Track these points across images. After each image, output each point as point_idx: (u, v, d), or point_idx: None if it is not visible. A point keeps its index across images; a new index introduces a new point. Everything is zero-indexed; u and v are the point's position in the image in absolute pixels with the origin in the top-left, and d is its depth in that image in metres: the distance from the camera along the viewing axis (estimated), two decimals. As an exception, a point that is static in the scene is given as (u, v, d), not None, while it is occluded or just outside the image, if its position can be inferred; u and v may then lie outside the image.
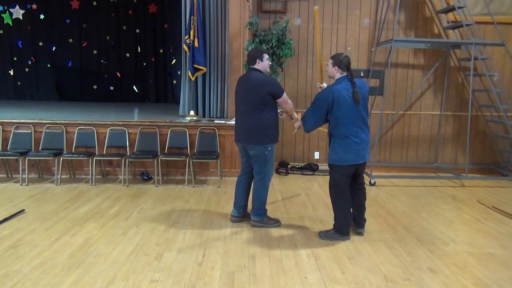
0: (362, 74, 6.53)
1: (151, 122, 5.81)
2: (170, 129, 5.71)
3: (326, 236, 3.63)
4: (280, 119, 3.99)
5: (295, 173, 6.33)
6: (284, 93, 3.80)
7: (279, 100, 3.77)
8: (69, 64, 11.10)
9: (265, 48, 5.72)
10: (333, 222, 3.67)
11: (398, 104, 6.60)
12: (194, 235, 3.63)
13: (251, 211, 3.93)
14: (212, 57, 6.28)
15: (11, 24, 10.78)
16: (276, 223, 3.93)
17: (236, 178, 3.93)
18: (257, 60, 3.77)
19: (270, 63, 3.91)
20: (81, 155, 5.41)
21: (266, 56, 3.81)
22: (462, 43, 6.13)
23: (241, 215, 4.01)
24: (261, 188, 3.85)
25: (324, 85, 3.99)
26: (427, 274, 2.98)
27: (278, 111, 3.89)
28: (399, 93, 6.62)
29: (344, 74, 3.52)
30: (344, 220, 3.60)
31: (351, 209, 3.66)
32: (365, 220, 3.77)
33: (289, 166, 6.47)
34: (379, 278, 2.91)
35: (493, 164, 6.68)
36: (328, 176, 3.73)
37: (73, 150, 5.56)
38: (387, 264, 3.13)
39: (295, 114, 4.00)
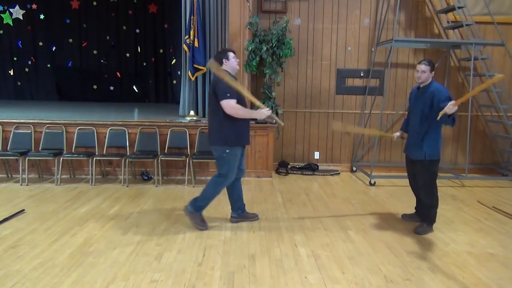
0: (362, 74, 6.54)
1: (151, 122, 5.81)
2: (170, 129, 5.71)
3: (425, 231, 3.79)
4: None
5: (295, 173, 6.33)
6: (230, 100, 3.55)
7: (221, 103, 3.58)
8: (69, 64, 11.10)
9: (265, 48, 5.72)
10: (425, 216, 3.85)
11: (398, 104, 6.60)
12: (194, 235, 3.63)
13: (191, 200, 3.84)
14: (212, 57, 6.27)
15: (11, 24, 10.78)
16: (201, 225, 3.78)
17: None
18: (224, 60, 3.69)
19: (238, 60, 3.79)
20: (81, 155, 5.41)
21: (231, 54, 3.73)
22: (462, 43, 6.13)
23: (239, 215, 4.02)
24: (212, 186, 3.77)
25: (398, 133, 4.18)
26: (427, 274, 2.98)
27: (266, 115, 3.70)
28: (399, 93, 6.62)
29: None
30: (436, 213, 3.85)
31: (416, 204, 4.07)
32: None
33: (289, 166, 6.47)
34: (379, 278, 2.91)
35: (493, 164, 6.68)
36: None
37: (73, 150, 5.56)
38: (387, 264, 3.13)
39: (258, 113, 3.70)
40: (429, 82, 3.74)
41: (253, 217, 4.09)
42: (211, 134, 3.78)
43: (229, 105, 3.57)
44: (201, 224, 3.79)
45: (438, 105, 3.50)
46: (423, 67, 3.70)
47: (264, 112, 3.69)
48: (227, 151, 3.67)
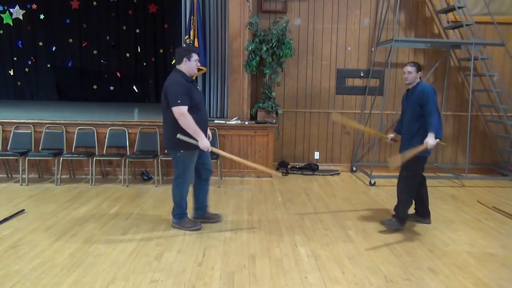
0: (362, 74, 6.54)
1: (151, 122, 5.81)
2: (170, 129, 5.70)
3: (391, 225, 3.84)
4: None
5: (295, 173, 6.33)
6: (181, 106, 3.43)
7: (173, 111, 3.45)
8: (69, 64, 11.10)
9: (265, 48, 5.72)
10: (396, 212, 3.88)
11: (398, 104, 6.59)
12: (194, 235, 3.63)
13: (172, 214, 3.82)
14: (212, 57, 6.28)
15: (11, 24, 10.78)
16: (194, 226, 3.75)
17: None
18: (184, 59, 3.56)
19: (199, 65, 3.68)
20: (81, 155, 5.41)
21: (195, 56, 3.59)
22: (462, 43, 6.13)
23: (199, 216, 3.94)
24: (175, 189, 3.72)
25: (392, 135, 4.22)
26: (427, 274, 2.98)
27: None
28: (399, 93, 6.61)
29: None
30: (408, 210, 3.87)
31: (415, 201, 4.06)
32: (428, 210, 4.12)
33: (289, 166, 6.47)
34: (379, 278, 2.91)
35: (493, 164, 6.68)
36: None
37: (73, 150, 5.56)
38: (387, 264, 3.13)
39: (202, 140, 3.52)
40: (417, 83, 3.80)
41: (214, 218, 3.99)
42: (164, 137, 3.72)
43: (179, 112, 3.44)
44: (193, 226, 3.76)
45: (422, 103, 3.65)
46: (409, 68, 3.78)
47: (205, 145, 3.54)
48: (181, 151, 3.59)
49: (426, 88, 3.71)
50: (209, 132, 3.83)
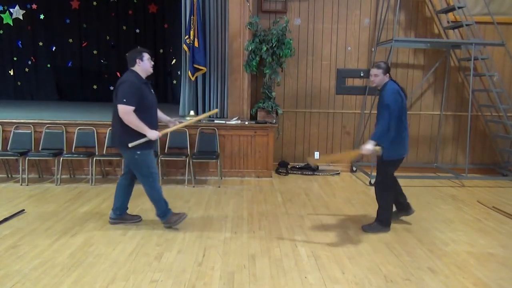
0: (362, 74, 6.54)
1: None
2: (170, 129, 5.70)
3: (371, 229, 3.82)
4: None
5: (295, 173, 6.33)
6: (126, 106, 3.40)
7: (119, 110, 3.42)
8: (69, 64, 11.09)
9: (265, 48, 5.72)
10: (376, 215, 3.88)
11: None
12: (194, 235, 3.63)
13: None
14: (212, 57, 6.28)
15: (11, 24, 10.77)
16: (180, 218, 3.75)
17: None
18: (137, 60, 3.53)
19: (153, 63, 3.63)
20: (81, 155, 5.41)
21: (146, 55, 3.56)
22: (462, 43, 6.13)
23: (117, 217, 3.87)
24: (149, 190, 3.67)
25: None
26: (427, 274, 2.98)
27: None
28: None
29: (389, 78, 3.75)
30: (389, 213, 3.85)
31: (395, 199, 4.01)
32: (407, 201, 4.10)
33: (289, 166, 6.47)
34: (379, 278, 2.91)
35: (493, 164, 6.68)
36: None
37: (73, 150, 5.55)
38: (387, 264, 3.13)
39: (148, 132, 3.50)
40: (384, 84, 3.71)
41: (132, 219, 3.92)
42: (114, 136, 3.66)
43: (124, 110, 3.40)
44: (179, 218, 3.75)
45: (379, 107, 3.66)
46: (375, 70, 3.71)
47: (154, 135, 3.54)
48: (138, 152, 3.53)
49: (389, 90, 3.61)
50: (167, 118, 3.91)
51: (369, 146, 3.52)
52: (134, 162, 3.61)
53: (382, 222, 3.84)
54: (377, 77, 3.71)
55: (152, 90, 3.73)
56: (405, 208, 4.10)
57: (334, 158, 3.79)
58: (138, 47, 3.71)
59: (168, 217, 3.74)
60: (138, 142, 3.49)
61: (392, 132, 3.58)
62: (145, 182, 3.66)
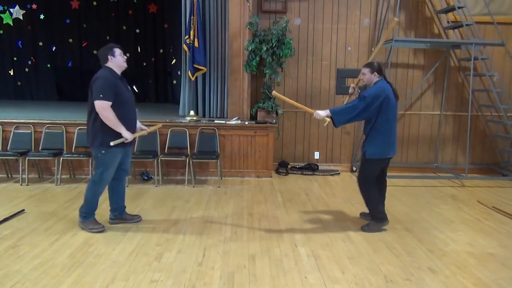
0: (362, 74, 6.53)
1: (151, 122, 5.79)
2: (170, 129, 5.71)
3: (370, 229, 3.82)
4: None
5: (295, 173, 6.33)
6: (103, 101, 3.38)
7: (94, 103, 3.40)
8: (69, 64, 11.10)
9: (265, 48, 5.72)
10: (370, 214, 3.89)
11: (398, 104, 6.58)
12: (194, 235, 3.63)
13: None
14: (212, 57, 6.28)
15: (11, 24, 10.77)
16: (95, 228, 3.62)
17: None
18: (109, 56, 3.52)
19: (125, 57, 3.60)
20: (81, 155, 5.41)
21: (118, 51, 3.53)
22: (462, 43, 6.13)
23: (117, 217, 3.88)
24: (90, 189, 3.62)
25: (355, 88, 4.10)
26: (427, 274, 2.98)
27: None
28: (399, 93, 6.51)
29: (381, 77, 3.76)
30: (379, 208, 3.86)
31: None
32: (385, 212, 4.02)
33: (289, 166, 6.47)
34: (379, 278, 2.91)
35: (493, 164, 6.68)
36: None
37: (73, 150, 5.55)
38: (387, 264, 3.13)
39: (123, 132, 3.50)
40: (374, 83, 3.75)
41: (132, 219, 3.92)
42: (87, 134, 3.64)
43: (101, 106, 3.38)
44: (94, 227, 3.63)
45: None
46: (363, 69, 3.79)
47: (129, 136, 3.53)
48: (103, 151, 3.52)
49: (374, 87, 3.68)
50: (139, 125, 3.88)
51: (322, 113, 3.71)
52: (97, 159, 3.60)
53: (377, 218, 3.85)
54: (365, 75, 3.77)
55: (128, 87, 3.71)
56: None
57: (290, 101, 3.92)
58: (110, 43, 3.65)
59: (87, 220, 3.66)
60: (118, 141, 3.48)
61: (355, 119, 3.72)
62: (93, 180, 3.64)
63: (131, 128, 3.66)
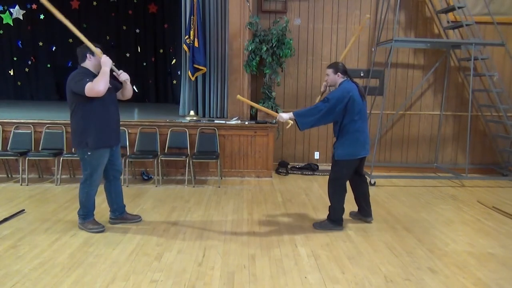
0: (362, 74, 6.54)
1: (151, 122, 5.81)
2: (170, 129, 5.71)
3: (321, 227, 3.85)
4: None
5: (295, 173, 6.33)
6: (88, 83, 3.30)
7: (86, 95, 3.31)
8: (69, 64, 11.09)
9: (265, 48, 5.72)
10: (328, 213, 3.91)
11: (398, 104, 6.60)
12: (194, 235, 3.63)
13: None
14: (212, 57, 6.28)
15: (11, 24, 10.78)
16: (97, 228, 3.62)
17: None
18: (88, 55, 3.45)
19: (103, 56, 3.50)
20: (81, 155, 5.41)
21: (97, 50, 3.45)
22: (462, 43, 6.13)
23: (117, 217, 3.87)
24: (81, 193, 3.61)
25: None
26: (427, 274, 2.98)
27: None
28: (399, 93, 6.62)
29: (345, 78, 3.74)
30: (340, 211, 3.88)
31: (358, 200, 4.08)
32: (371, 208, 4.10)
33: (289, 166, 6.47)
34: (379, 278, 2.91)
35: (493, 164, 6.68)
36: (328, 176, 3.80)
37: (73, 150, 5.54)
38: (387, 264, 3.13)
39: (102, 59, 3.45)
40: (338, 85, 3.73)
41: (133, 219, 3.92)
42: (72, 136, 3.59)
43: (90, 87, 3.28)
44: (93, 227, 3.63)
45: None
46: (327, 70, 3.81)
47: (106, 60, 3.46)
48: (89, 153, 3.48)
49: (339, 88, 3.67)
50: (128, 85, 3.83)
51: (285, 116, 3.70)
52: (83, 161, 3.56)
53: (333, 221, 3.87)
54: (328, 76, 3.78)
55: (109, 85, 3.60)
56: (364, 214, 4.10)
57: (255, 105, 3.96)
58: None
59: (86, 221, 3.66)
60: (97, 50, 3.47)
61: (320, 122, 3.66)
62: (84, 182, 3.60)
63: (114, 128, 3.61)
